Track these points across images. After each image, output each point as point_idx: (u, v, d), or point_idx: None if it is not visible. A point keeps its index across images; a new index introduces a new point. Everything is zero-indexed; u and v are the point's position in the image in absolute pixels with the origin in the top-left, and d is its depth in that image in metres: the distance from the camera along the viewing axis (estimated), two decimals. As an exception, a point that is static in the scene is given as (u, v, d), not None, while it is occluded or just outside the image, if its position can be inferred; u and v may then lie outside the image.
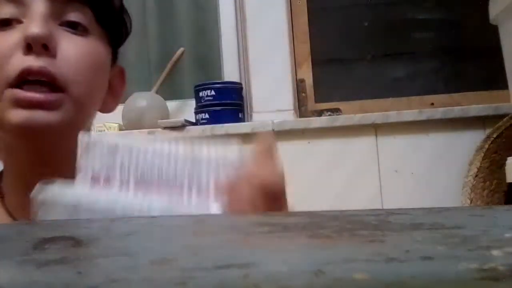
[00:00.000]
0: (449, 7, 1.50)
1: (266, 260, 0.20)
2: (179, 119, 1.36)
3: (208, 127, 1.33)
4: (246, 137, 1.32)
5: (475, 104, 1.30)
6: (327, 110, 1.42)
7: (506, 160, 1.06)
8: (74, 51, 0.51)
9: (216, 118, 1.35)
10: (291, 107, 1.39)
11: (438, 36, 1.51)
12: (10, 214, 0.55)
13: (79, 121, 0.53)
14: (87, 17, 0.53)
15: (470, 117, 1.28)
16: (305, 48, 1.47)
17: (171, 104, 1.49)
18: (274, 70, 1.40)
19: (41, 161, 0.52)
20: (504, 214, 0.34)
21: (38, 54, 0.48)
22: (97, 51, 0.54)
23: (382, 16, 1.52)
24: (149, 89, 1.47)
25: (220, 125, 1.32)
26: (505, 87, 1.14)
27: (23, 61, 0.48)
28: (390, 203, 1.28)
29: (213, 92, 1.36)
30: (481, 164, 1.19)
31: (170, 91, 1.53)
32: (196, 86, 1.40)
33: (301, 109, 1.43)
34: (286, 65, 1.40)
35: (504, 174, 1.07)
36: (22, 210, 0.53)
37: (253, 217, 0.34)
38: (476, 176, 1.19)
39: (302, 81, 1.45)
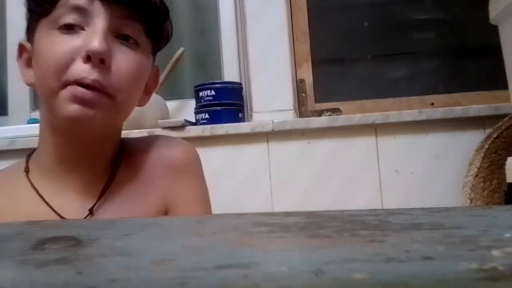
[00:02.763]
0: (449, 7, 1.50)
1: (266, 260, 0.20)
2: (179, 119, 1.36)
3: (208, 127, 1.33)
4: (246, 137, 1.32)
5: (475, 104, 1.30)
6: (327, 110, 1.42)
7: (506, 160, 1.05)
8: (125, 66, 0.60)
9: (216, 118, 1.35)
10: (291, 107, 1.39)
11: (438, 36, 1.51)
12: (33, 186, 0.65)
13: (117, 119, 0.65)
14: (138, 32, 0.63)
15: (470, 117, 1.28)
16: (305, 48, 1.47)
17: (171, 104, 1.49)
18: (274, 70, 1.40)
19: (82, 143, 0.64)
20: (504, 214, 0.34)
21: (94, 66, 0.57)
22: (143, 64, 0.64)
23: (382, 16, 1.52)
24: (149, 89, 1.47)
25: (220, 125, 1.32)
26: (505, 87, 1.14)
27: (81, 70, 0.57)
28: (390, 203, 1.28)
29: (213, 92, 1.36)
30: (481, 164, 1.19)
31: (170, 91, 1.53)
32: (196, 86, 1.40)
33: (301, 109, 1.43)
34: (286, 65, 1.40)
35: (504, 174, 1.07)
36: (46, 182, 0.65)
37: (253, 217, 0.33)
38: (476, 176, 1.19)
39: (302, 81, 1.45)
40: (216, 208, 1.33)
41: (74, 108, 0.57)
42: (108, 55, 0.58)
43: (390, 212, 0.32)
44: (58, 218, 0.62)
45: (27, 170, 0.67)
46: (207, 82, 1.39)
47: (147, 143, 0.73)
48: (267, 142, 1.33)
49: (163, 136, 0.76)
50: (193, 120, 1.40)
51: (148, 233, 0.29)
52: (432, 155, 1.30)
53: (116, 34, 0.61)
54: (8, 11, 1.57)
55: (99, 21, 0.59)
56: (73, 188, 0.65)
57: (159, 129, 1.34)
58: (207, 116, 1.36)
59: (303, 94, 1.44)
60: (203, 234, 0.28)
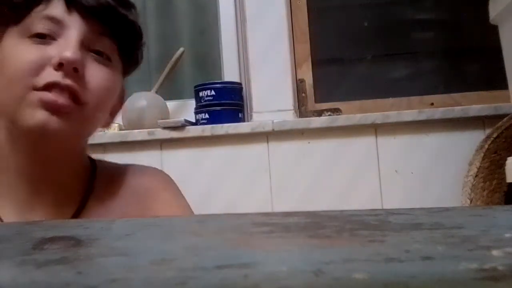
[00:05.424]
0: (449, 7, 1.50)
1: (266, 260, 0.20)
2: (179, 119, 1.36)
3: (208, 127, 1.33)
4: (246, 137, 1.32)
5: (475, 104, 1.30)
6: (327, 110, 1.42)
7: (506, 160, 1.05)
8: (97, 78, 0.58)
9: (216, 118, 1.35)
10: (291, 107, 1.39)
11: (438, 36, 1.51)
12: None
13: (84, 134, 0.63)
14: (111, 49, 0.61)
15: (470, 117, 1.28)
16: (305, 48, 1.47)
17: (171, 104, 1.49)
18: (274, 70, 1.40)
19: (45, 161, 0.59)
20: (504, 214, 0.34)
21: (67, 74, 0.55)
22: (115, 80, 0.62)
23: (382, 16, 1.52)
24: (149, 89, 1.47)
25: (220, 125, 1.32)
26: (505, 87, 1.14)
27: (52, 75, 0.55)
28: (390, 203, 1.28)
29: (213, 92, 1.36)
30: (481, 164, 1.19)
31: (170, 91, 1.53)
32: (196, 86, 1.40)
33: (301, 109, 1.43)
34: (286, 65, 1.40)
35: (504, 174, 1.07)
36: (5, 203, 0.59)
37: (253, 217, 0.33)
38: (476, 176, 1.19)
39: (302, 81, 1.45)
40: (216, 208, 1.33)
41: (40, 115, 0.54)
42: (82, 64, 0.56)
43: (390, 212, 0.32)
44: None
45: None
46: (207, 82, 1.39)
47: (121, 170, 0.70)
48: (267, 142, 1.33)
49: (136, 165, 0.74)
50: (193, 120, 1.40)
51: (148, 233, 0.29)
52: (432, 155, 1.30)
53: (89, 49, 0.59)
54: None
55: (74, 32, 0.57)
56: (37, 211, 0.59)
57: (159, 129, 1.34)
58: (207, 116, 1.36)
59: (303, 94, 1.44)
60: (203, 234, 0.28)
